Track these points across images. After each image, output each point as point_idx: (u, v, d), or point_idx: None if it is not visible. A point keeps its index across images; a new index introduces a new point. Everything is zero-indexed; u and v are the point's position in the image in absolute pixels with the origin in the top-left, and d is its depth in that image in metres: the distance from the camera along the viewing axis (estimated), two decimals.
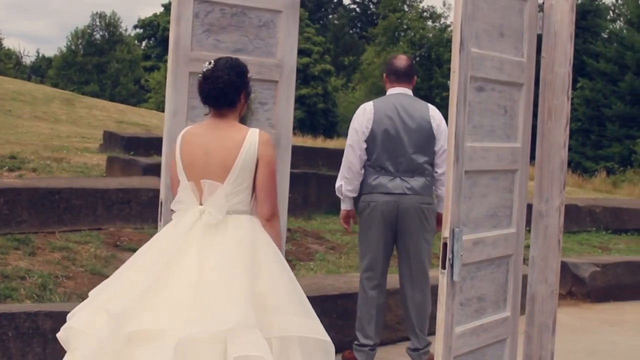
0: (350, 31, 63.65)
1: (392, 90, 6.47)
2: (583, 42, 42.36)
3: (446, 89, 40.78)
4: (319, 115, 48.69)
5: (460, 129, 4.44)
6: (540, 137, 5.11)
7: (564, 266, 9.95)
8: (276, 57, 6.06)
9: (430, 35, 41.85)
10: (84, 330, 3.98)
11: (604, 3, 46.23)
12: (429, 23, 43.71)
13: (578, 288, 10.04)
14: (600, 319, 8.99)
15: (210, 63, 4.44)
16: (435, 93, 40.87)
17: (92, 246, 7.93)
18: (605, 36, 43.72)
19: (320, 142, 33.63)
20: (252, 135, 4.33)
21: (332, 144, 36.83)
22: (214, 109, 4.44)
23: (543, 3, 5.11)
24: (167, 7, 57.65)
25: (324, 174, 11.62)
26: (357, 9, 66.92)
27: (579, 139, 40.83)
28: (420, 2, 45.75)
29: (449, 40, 42.08)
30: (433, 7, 45.42)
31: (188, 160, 4.36)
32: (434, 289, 4.94)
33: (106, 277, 4.64)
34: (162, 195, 5.63)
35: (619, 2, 46.83)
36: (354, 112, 6.62)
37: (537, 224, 5.13)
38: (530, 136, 5.13)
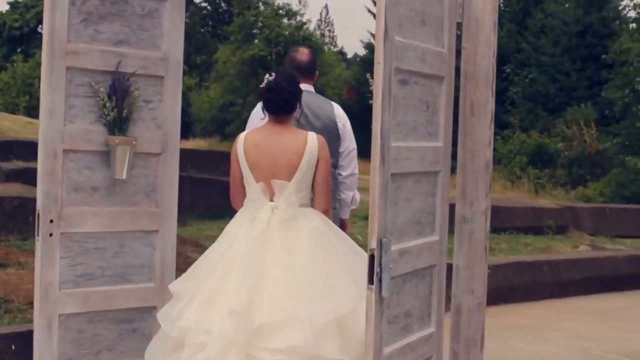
0: (202, 30, 62.79)
1: None
2: None
3: None
4: None
5: (386, 127, 3.96)
6: (463, 135, 4.69)
7: (451, 269, 9.65)
8: (161, 49, 5.50)
9: (287, 32, 41.42)
10: (205, 328, 4.42)
11: None
12: (285, 20, 43.30)
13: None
14: (496, 323, 8.66)
15: (271, 75, 4.87)
16: None
17: None
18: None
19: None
20: (312, 139, 4.78)
21: (189, 144, 36.05)
22: (275, 116, 4.85)
23: None
24: (13, 5, 55.55)
25: (197, 177, 11.05)
26: (209, 7, 66.01)
27: None
28: None
29: (305, 38, 41.85)
30: (289, 5, 44.92)
31: (254, 163, 4.79)
32: None
33: None
34: (38, 205, 4.99)
35: None
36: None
37: (461, 230, 4.71)
38: (451, 134, 4.70)
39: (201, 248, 9.07)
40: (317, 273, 4.51)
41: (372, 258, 3.92)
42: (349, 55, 60.62)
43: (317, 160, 4.78)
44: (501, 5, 42.43)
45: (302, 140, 4.78)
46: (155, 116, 5.49)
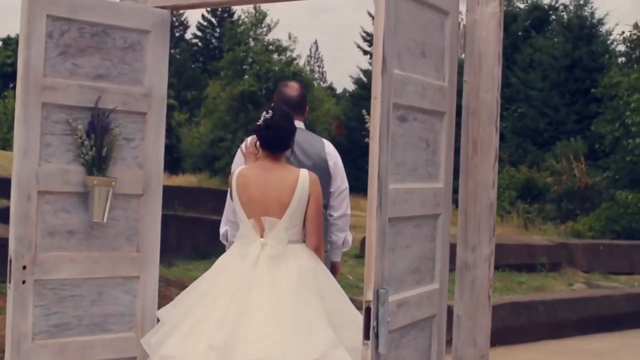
0: (193, 65, 62.66)
1: None
2: None
3: None
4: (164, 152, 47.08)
5: (384, 169, 3.65)
6: (465, 174, 4.38)
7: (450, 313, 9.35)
8: (144, 84, 5.21)
9: (276, 68, 41.21)
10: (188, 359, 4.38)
11: None
12: (275, 56, 43.09)
13: None
14: None
15: (267, 112, 4.82)
16: None
17: None
18: None
19: (166, 179, 32.46)
20: (304, 176, 4.72)
21: (178, 180, 35.73)
22: (271, 153, 4.81)
23: (462, 21, 4.41)
24: (5, 41, 55.24)
25: (184, 216, 10.73)
26: (199, 44, 66.00)
27: None
28: (266, 35, 44.91)
29: (295, 73, 41.59)
30: (279, 41, 44.50)
31: (246, 199, 4.75)
32: None
33: None
34: (11, 251, 4.70)
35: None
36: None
37: (463, 277, 4.39)
38: (452, 174, 4.40)
39: None
40: (298, 313, 4.43)
41: (368, 311, 3.61)
42: (338, 91, 60.53)
43: (309, 197, 4.73)
44: None
45: (293, 177, 4.74)
46: (136, 155, 5.19)
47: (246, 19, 43.63)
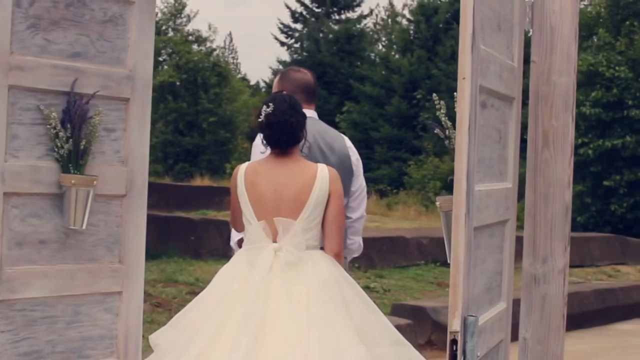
0: None
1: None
2: (349, 66, 42.05)
3: (213, 114, 39.24)
4: None
5: (472, 166, 2.92)
6: (532, 172, 3.69)
7: (422, 311, 8.82)
8: (127, 65, 4.39)
9: (196, 58, 40.27)
10: None
11: (368, 27, 46.26)
12: (195, 47, 42.13)
13: (439, 336, 8.88)
14: None
15: (268, 106, 4.25)
16: (202, 119, 39.32)
17: None
18: (373, 58, 43.60)
19: None
20: (323, 171, 4.21)
21: None
22: (281, 150, 4.27)
23: None
24: None
25: None
26: None
27: None
28: (185, 25, 43.85)
29: (215, 64, 40.72)
30: (199, 31, 43.51)
31: (256, 198, 4.24)
32: None
33: None
34: None
35: (378, 26, 47.13)
36: None
37: (531, 293, 3.70)
38: (518, 172, 3.69)
39: (144, 296, 7.98)
40: (322, 331, 3.95)
41: (453, 344, 2.88)
42: (252, 82, 59.70)
43: (329, 196, 4.22)
44: (411, 32, 42.16)
45: (311, 172, 4.25)
46: (118, 149, 4.37)
47: (165, 9, 42.61)
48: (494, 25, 3.24)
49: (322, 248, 4.24)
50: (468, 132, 2.87)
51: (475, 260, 3.12)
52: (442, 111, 3.48)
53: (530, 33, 3.72)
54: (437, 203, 3.69)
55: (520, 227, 3.79)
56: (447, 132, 3.44)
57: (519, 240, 3.70)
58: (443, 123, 3.47)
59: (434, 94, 3.98)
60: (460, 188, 2.87)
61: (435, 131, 3.48)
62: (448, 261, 3.20)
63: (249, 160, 4.65)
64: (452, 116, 3.38)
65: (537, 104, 3.65)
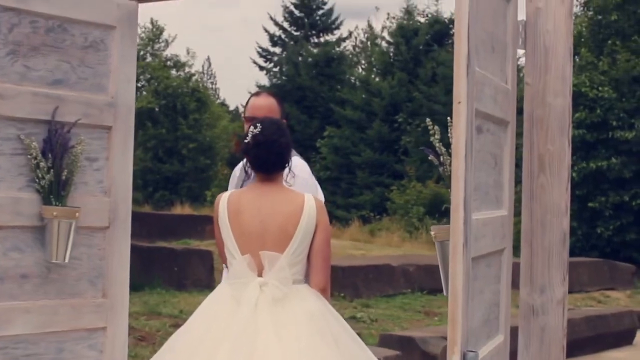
0: None
1: None
2: (329, 89, 41.92)
3: (192, 140, 39.05)
4: None
5: (469, 194, 2.81)
6: (528, 198, 3.58)
7: (411, 342, 8.64)
8: (108, 92, 4.31)
9: (175, 84, 40.07)
10: None
11: (347, 49, 46.13)
12: (173, 72, 41.92)
13: None
14: None
15: (256, 127, 4.06)
16: (182, 145, 39.11)
17: None
18: (353, 82, 43.48)
19: None
20: (310, 201, 4.01)
21: None
22: (266, 174, 4.05)
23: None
24: None
25: None
26: None
27: (328, 187, 40.19)
28: (164, 50, 43.60)
29: (195, 90, 40.54)
30: (177, 56, 43.22)
31: (240, 231, 4.00)
32: None
33: None
34: None
35: (357, 49, 47.03)
36: None
37: (529, 325, 3.59)
38: (513, 198, 3.59)
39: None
40: None
41: None
42: (231, 108, 59.54)
43: (316, 227, 4.00)
44: (391, 54, 42.09)
45: (298, 202, 4.02)
46: (101, 178, 4.26)
47: (143, 34, 42.37)
48: (487, 47, 3.15)
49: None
50: (465, 158, 2.77)
51: (474, 291, 3.01)
52: (436, 137, 3.37)
53: (522, 53, 3.64)
54: (432, 232, 3.56)
55: (516, 252, 3.69)
56: (441, 159, 3.34)
57: (515, 266, 3.61)
58: (437, 149, 3.37)
59: (428, 119, 3.85)
60: (457, 217, 2.76)
61: (429, 158, 3.37)
62: (445, 293, 3.09)
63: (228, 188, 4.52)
64: (444, 141, 3.30)
65: (532, 128, 3.55)
